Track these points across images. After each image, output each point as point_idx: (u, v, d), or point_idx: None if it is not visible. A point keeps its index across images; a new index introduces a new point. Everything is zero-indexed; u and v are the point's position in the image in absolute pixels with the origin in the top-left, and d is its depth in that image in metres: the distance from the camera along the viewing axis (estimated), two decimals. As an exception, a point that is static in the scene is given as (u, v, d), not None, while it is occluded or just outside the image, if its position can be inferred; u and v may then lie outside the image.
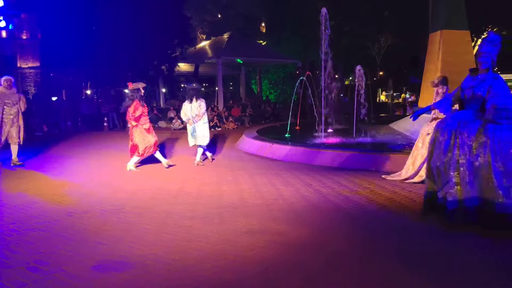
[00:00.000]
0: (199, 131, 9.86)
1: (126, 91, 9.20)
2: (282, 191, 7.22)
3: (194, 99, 9.83)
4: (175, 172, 9.18)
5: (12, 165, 9.64)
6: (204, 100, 10.10)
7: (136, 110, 9.09)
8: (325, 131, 13.71)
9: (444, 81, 7.53)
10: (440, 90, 7.46)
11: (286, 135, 13.87)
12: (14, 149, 9.73)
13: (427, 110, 6.15)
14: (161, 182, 8.03)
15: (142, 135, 9.18)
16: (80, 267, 4.07)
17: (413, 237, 4.95)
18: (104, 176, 8.74)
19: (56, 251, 4.50)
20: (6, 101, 9.52)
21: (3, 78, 9.69)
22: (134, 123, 9.14)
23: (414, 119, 6.27)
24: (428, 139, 7.16)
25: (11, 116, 9.56)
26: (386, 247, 4.64)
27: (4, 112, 9.46)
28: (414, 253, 4.44)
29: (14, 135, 9.62)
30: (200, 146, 10.00)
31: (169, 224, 5.41)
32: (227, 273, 3.95)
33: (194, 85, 10.32)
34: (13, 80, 9.77)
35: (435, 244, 4.68)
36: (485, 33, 29.56)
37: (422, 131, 7.84)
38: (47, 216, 5.81)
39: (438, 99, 7.28)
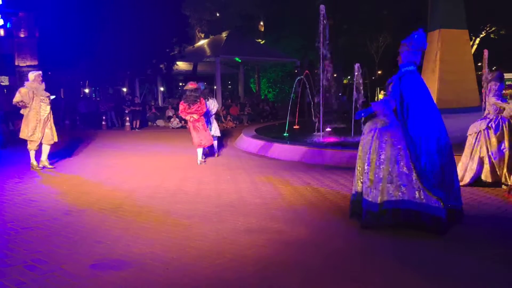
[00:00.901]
0: (214, 124, 11.19)
1: (187, 88, 10.30)
2: (281, 190, 7.22)
3: (208, 98, 11.02)
4: (173, 170, 9.17)
5: (41, 166, 9.27)
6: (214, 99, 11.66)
7: (203, 106, 10.06)
8: (324, 130, 13.70)
9: (498, 77, 7.19)
10: (493, 87, 7.15)
11: (285, 134, 13.87)
12: (46, 149, 9.28)
13: (371, 111, 6.30)
14: (159, 181, 8.02)
15: (204, 128, 10.17)
16: (78, 266, 4.06)
17: (411, 235, 4.94)
18: (102, 175, 8.73)
19: (54, 249, 4.49)
20: (41, 97, 9.04)
21: (33, 72, 9.14)
22: (196, 117, 9.99)
23: (357, 118, 6.42)
24: (470, 138, 7.12)
25: (47, 113, 9.13)
26: (384, 246, 4.64)
27: (40, 109, 9.04)
28: (412, 252, 4.44)
29: (50, 134, 9.19)
30: (215, 137, 11.28)
31: (167, 223, 5.40)
32: (225, 272, 3.95)
33: (205, 84, 11.50)
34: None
35: (432, 243, 4.68)
36: (483, 32, 29.61)
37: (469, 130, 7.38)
38: (45, 214, 5.80)
39: (490, 95, 7.17)
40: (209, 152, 11.17)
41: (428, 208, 4.84)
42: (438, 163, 5.03)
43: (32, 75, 9.16)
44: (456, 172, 5.36)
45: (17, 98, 8.97)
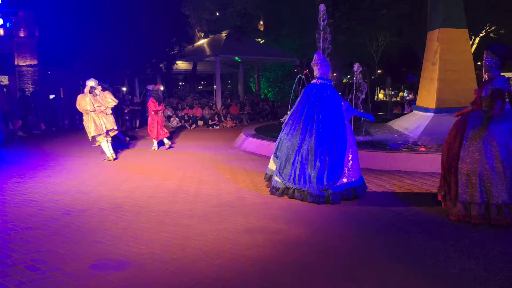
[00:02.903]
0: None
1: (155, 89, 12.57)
2: (281, 190, 7.21)
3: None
4: (173, 170, 9.17)
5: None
6: None
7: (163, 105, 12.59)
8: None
9: None
10: None
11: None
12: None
13: None
14: (159, 181, 8.02)
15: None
16: (78, 266, 4.06)
17: (409, 234, 4.95)
18: (102, 175, 8.73)
19: (53, 249, 4.49)
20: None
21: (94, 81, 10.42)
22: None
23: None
24: None
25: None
26: (383, 245, 4.64)
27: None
28: (410, 251, 4.45)
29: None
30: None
31: (167, 223, 5.41)
32: (225, 272, 3.95)
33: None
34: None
35: (430, 242, 4.69)
36: (483, 32, 29.59)
37: None
38: (45, 214, 5.80)
39: None
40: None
41: None
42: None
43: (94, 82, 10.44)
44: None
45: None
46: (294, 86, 18.45)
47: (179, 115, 20.33)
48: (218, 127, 19.97)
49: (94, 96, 10.27)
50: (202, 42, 28.28)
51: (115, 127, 10.74)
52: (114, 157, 10.53)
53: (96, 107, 10.25)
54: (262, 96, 28.58)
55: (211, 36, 28.45)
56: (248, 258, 4.26)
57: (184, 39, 26.07)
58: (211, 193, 7.01)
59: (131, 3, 21.37)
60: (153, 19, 21.91)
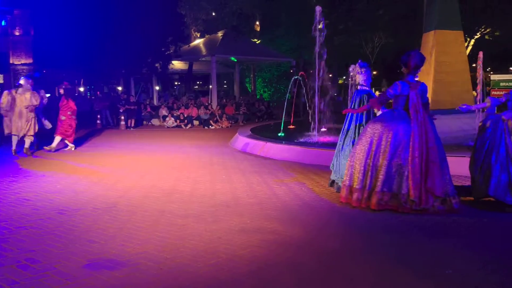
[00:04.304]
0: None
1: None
2: (276, 190, 7.22)
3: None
4: (168, 170, 9.15)
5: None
6: None
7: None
8: (319, 130, 13.70)
9: None
10: None
11: (280, 134, 13.85)
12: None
13: None
14: (154, 180, 8.01)
15: None
16: (71, 265, 4.04)
17: (408, 236, 4.96)
18: (96, 174, 8.69)
19: (47, 249, 4.47)
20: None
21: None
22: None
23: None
24: None
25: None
26: (379, 246, 4.65)
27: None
28: (408, 252, 4.46)
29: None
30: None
31: (162, 223, 5.39)
32: (220, 272, 3.94)
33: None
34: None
35: (429, 242, 4.70)
36: (478, 33, 29.68)
37: None
38: (39, 214, 5.77)
39: None
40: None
41: None
42: None
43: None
44: None
45: None
46: (289, 86, 18.49)
47: (175, 115, 20.30)
48: (213, 127, 19.96)
49: (15, 94, 10.77)
50: (198, 42, 28.26)
51: (26, 129, 10.86)
52: (14, 154, 10.81)
53: (18, 104, 10.71)
54: (257, 97, 28.59)
55: (207, 36, 28.44)
56: (243, 259, 4.26)
57: (180, 39, 26.05)
58: (206, 193, 7.00)
59: (127, 3, 21.33)
60: (149, 19, 21.88)
